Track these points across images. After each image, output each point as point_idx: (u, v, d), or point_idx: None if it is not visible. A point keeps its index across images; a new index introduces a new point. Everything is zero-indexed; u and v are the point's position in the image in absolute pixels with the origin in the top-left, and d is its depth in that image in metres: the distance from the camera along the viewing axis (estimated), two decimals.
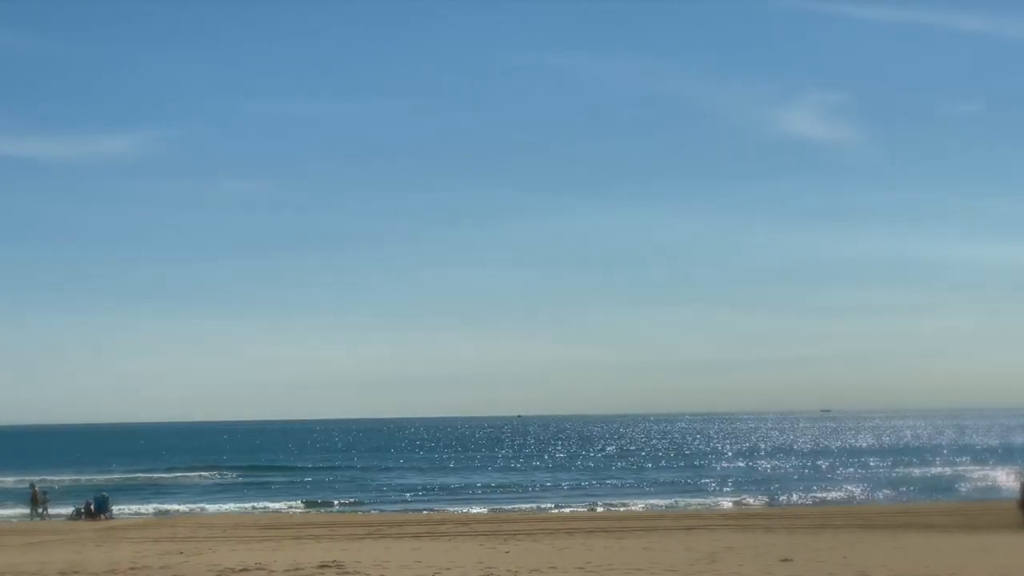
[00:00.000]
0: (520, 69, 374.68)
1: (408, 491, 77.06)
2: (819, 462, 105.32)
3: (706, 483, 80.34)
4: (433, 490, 77.54)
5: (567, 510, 59.31)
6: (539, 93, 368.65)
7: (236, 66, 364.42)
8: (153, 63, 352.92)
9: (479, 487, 79.62)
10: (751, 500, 65.66)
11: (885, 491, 70.63)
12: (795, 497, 67.65)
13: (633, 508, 60.53)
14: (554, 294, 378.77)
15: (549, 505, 63.97)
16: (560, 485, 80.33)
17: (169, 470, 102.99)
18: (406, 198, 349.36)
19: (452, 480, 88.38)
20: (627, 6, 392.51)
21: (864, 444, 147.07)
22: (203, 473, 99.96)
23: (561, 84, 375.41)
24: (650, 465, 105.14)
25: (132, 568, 28.99)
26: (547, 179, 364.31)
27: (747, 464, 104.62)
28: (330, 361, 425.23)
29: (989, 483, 73.22)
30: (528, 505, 64.23)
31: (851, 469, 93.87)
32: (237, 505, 66.85)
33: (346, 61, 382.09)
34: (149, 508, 64.41)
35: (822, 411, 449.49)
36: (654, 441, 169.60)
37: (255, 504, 67.55)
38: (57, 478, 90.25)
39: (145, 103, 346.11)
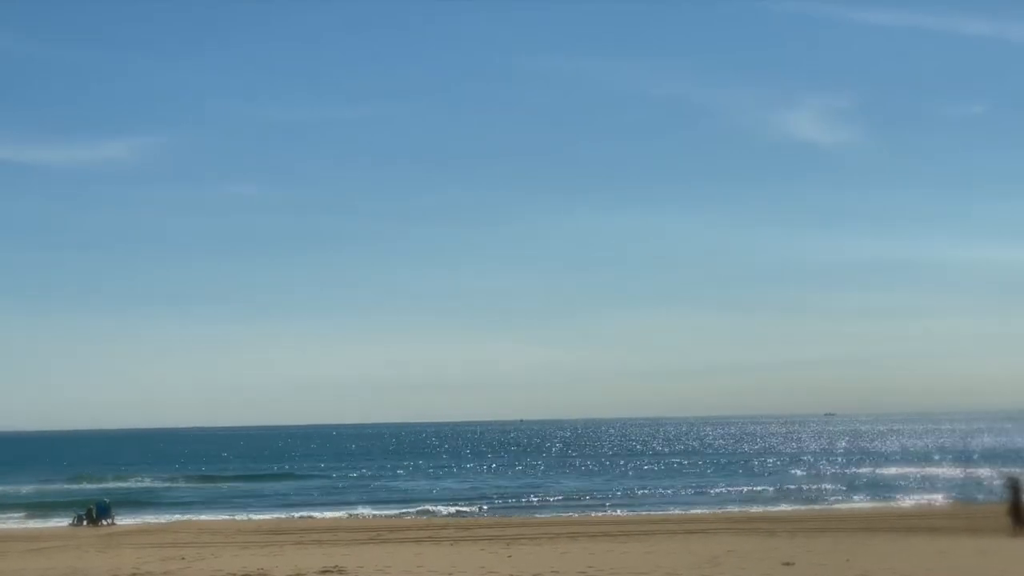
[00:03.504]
0: (523, 72, 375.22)
1: (411, 495, 77.02)
2: (822, 465, 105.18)
3: (708, 486, 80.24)
4: (437, 495, 77.43)
5: (569, 514, 59.19)
6: (541, 95, 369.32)
7: (237, 71, 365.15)
8: (154, 68, 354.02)
9: (483, 492, 79.45)
10: (753, 504, 65.51)
11: (887, 494, 70.46)
12: (796, 501, 67.54)
13: (635, 512, 60.39)
14: (556, 297, 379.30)
15: (550, 510, 63.89)
16: (564, 489, 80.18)
17: (171, 476, 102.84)
18: (408, 201, 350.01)
19: (456, 485, 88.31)
20: (630, 9, 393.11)
21: (867, 447, 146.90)
22: (205, 479, 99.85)
23: (564, 86, 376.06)
24: (653, 469, 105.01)
25: (134, 574, 29.02)
26: (550, 181, 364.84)
27: (749, 468, 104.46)
28: (332, 365, 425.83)
29: (992, 486, 73.08)
30: (529, 511, 64.17)
31: (853, 472, 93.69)
32: (239, 511, 66.72)
33: (348, 65, 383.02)
34: (151, 514, 64.32)
35: (826, 414, 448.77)
36: (656, 445, 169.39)
37: (256, 510, 67.41)
38: (57, 486, 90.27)
39: (147, 108, 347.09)
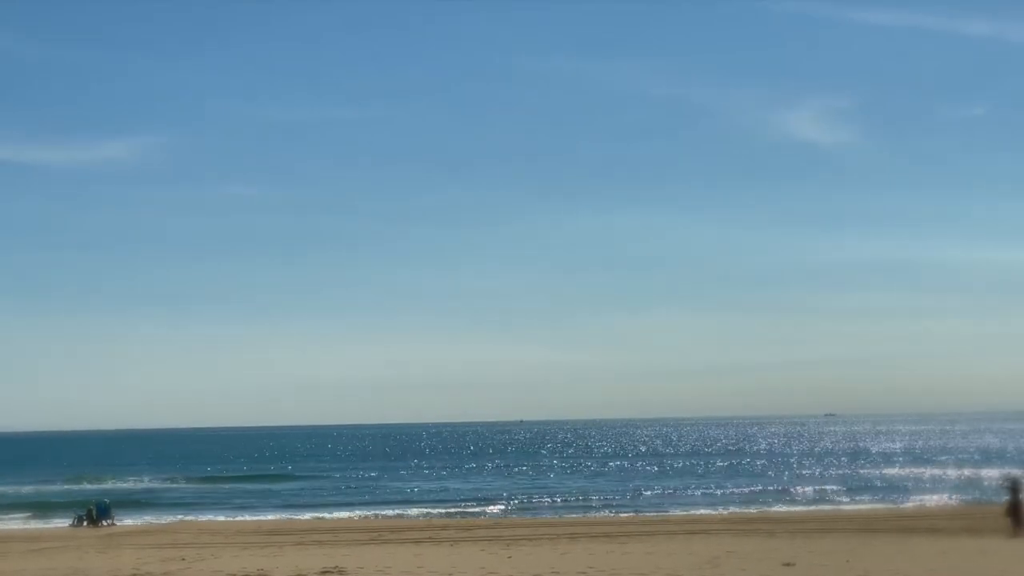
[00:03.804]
0: (523, 72, 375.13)
1: (411, 495, 77.05)
2: (822, 466, 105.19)
3: (708, 487, 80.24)
4: (437, 495, 77.42)
5: (570, 515, 59.18)
6: (541, 95, 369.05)
7: (237, 71, 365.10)
8: (154, 68, 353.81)
9: (483, 493, 79.44)
10: (753, 505, 65.51)
11: (888, 495, 70.44)
12: (797, 502, 67.55)
13: (635, 513, 60.37)
14: (556, 297, 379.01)
15: (550, 511, 63.89)
16: (564, 490, 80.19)
17: (171, 476, 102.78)
18: (408, 201, 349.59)
19: (456, 485, 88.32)
20: (630, 9, 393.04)
21: (867, 448, 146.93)
22: (205, 479, 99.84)
23: (564, 86, 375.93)
24: (653, 469, 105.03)
25: (134, 574, 29.04)
26: (550, 181, 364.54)
27: (750, 468, 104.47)
28: (332, 365, 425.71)
29: (992, 486, 73.04)
30: (529, 512, 64.16)
31: (854, 473, 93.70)
32: (239, 512, 66.73)
33: (348, 65, 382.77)
34: (151, 515, 64.33)
35: (826, 415, 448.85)
36: (657, 445, 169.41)
37: (256, 510, 67.40)
38: (57, 487, 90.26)
39: (147, 108, 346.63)
